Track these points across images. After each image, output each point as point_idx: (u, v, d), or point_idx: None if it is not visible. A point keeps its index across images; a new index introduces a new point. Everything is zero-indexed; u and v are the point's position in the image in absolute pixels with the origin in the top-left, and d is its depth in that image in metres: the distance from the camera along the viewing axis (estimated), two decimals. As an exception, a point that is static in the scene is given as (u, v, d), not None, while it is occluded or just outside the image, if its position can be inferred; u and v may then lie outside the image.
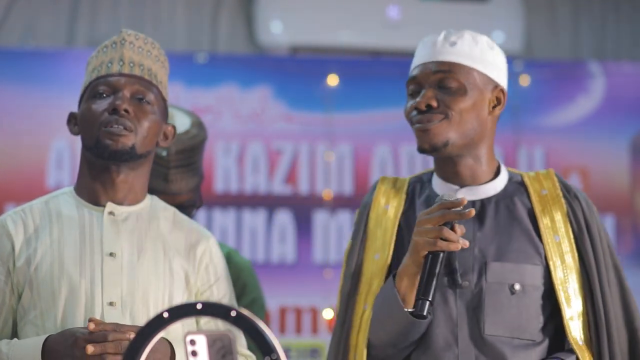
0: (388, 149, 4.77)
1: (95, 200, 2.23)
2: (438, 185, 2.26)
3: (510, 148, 4.85)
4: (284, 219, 4.71)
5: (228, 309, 1.37)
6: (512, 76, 4.87)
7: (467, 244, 2.05)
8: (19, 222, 2.20)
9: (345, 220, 4.73)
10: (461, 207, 2.06)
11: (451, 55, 2.22)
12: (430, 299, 2.01)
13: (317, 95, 4.79)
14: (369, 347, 2.13)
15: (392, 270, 2.16)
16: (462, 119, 2.18)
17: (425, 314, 2.00)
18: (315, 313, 4.66)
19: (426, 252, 2.04)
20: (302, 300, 4.65)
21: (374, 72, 4.83)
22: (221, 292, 2.27)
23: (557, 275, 2.15)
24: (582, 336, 2.13)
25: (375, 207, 2.28)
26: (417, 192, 2.29)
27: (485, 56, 2.26)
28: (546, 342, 2.14)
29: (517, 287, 2.12)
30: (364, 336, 2.13)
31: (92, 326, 1.99)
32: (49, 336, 2.05)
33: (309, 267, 4.65)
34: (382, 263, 2.19)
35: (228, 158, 4.76)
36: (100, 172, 2.21)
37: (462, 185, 2.22)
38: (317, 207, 4.72)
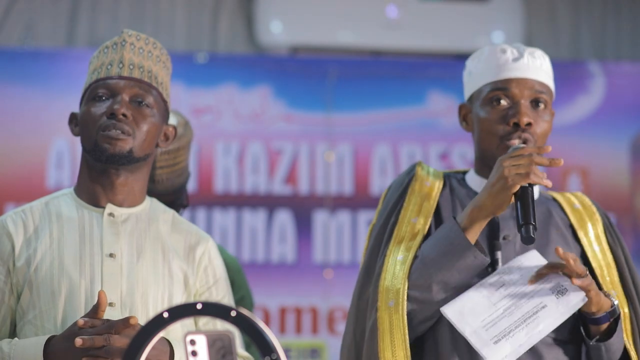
0: (388, 149, 4.77)
1: (95, 201, 2.23)
2: (476, 183, 2.29)
3: (510, 148, 4.85)
4: (284, 219, 4.71)
5: (228, 309, 1.37)
6: (512, 76, 4.91)
7: (550, 183, 2.06)
8: (19, 223, 2.20)
9: (345, 220, 4.73)
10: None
11: (545, 77, 2.27)
12: (534, 223, 2.00)
13: (317, 95, 4.79)
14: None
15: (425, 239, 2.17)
16: (542, 142, 2.24)
17: (533, 236, 1.99)
18: (315, 313, 4.66)
19: (518, 187, 2.04)
20: (302, 300, 4.65)
21: (374, 72, 4.83)
22: (220, 294, 2.27)
23: (605, 277, 2.19)
24: (627, 337, 2.16)
25: (418, 179, 2.29)
26: (454, 184, 2.32)
27: (552, 75, 2.32)
28: (578, 342, 2.15)
29: (552, 337, 2.12)
30: (404, 280, 2.10)
31: (81, 322, 1.99)
32: (51, 336, 2.05)
33: (309, 267, 4.65)
34: (420, 227, 2.20)
35: (228, 158, 4.76)
36: (100, 174, 2.21)
37: None
38: (317, 207, 4.72)
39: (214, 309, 1.38)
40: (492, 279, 2.06)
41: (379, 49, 5.12)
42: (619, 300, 2.17)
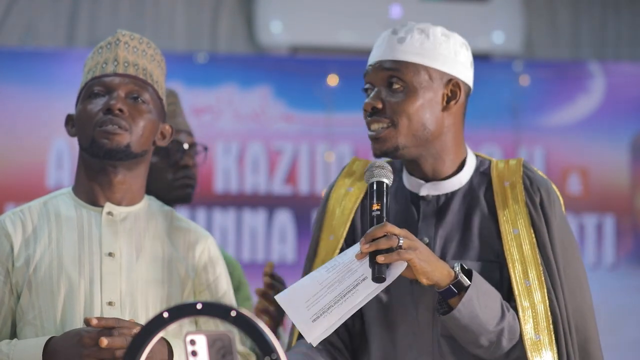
0: (388, 149, 4.78)
1: (93, 200, 2.23)
2: (407, 178, 2.22)
3: (510, 148, 4.85)
4: (284, 219, 4.71)
5: (228, 309, 1.37)
6: (512, 76, 4.91)
7: None
8: (17, 223, 2.19)
9: (345, 220, 4.73)
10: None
11: (399, 53, 2.16)
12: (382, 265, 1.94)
13: (317, 95, 4.79)
14: None
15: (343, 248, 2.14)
16: (410, 122, 2.12)
17: (384, 276, 1.94)
18: (315, 313, 4.66)
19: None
20: (302, 300, 4.65)
21: (374, 72, 4.82)
22: (220, 292, 2.27)
23: (516, 269, 2.08)
24: (540, 329, 2.05)
25: (337, 187, 2.26)
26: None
27: (439, 49, 2.17)
28: None
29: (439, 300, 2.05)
30: None
31: (94, 321, 1.99)
32: (51, 337, 2.05)
33: (309, 267, 4.65)
34: (335, 244, 2.17)
35: (228, 158, 4.76)
36: (98, 172, 2.21)
37: (426, 180, 2.18)
38: (317, 207, 4.72)
39: (213, 309, 1.38)
40: (330, 261, 2.04)
41: (379, 49, 5.12)
42: (536, 291, 2.07)
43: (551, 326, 2.06)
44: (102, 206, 2.22)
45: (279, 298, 2.03)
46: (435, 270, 1.96)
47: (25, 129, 4.62)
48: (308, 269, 2.20)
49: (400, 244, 1.93)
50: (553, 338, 2.05)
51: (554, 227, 2.15)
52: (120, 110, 2.17)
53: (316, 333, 1.95)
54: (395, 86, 2.14)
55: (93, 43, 4.89)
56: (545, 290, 2.08)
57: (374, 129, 2.14)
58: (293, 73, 4.88)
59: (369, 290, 1.96)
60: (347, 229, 2.19)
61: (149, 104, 2.23)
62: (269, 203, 4.70)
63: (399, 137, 2.13)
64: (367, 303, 1.99)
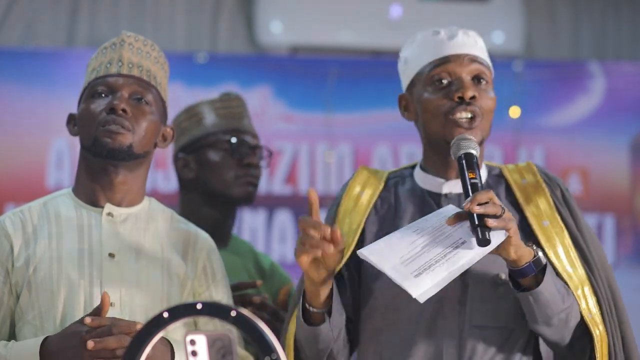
0: (388, 149, 4.77)
1: (93, 201, 2.23)
2: (421, 178, 2.25)
3: (510, 148, 4.85)
4: (284, 219, 4.71)
5: (228, 309, 1.37)
6: (512, 76, 4.91)
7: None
8: (17, 223, 2.20)
9: (345, 220, 4.73)
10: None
11: (480, 52, 2.23)
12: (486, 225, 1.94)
13: (317, 95, 4.79)
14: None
15: (353, 256, 2.15)
16: (487, 120, 2.19)
17: (488, 239, 1.94)
18: (315, 313, 4.66)
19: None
20: (302, 300, 4.65)
21: (374, 72, 4.82)
22: (219, 294, 2.27)
23: (559, 257, 2.16)
24: (590, 308, 2.14)
25: (349, 193, 2.27)
26: (398, 184, 2.28)
27: (486, 53, 2.29)
28: (527, 330, 2.14)
29: (502, 276, 2.11)
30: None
31: (88, 320, 1.98)
32: (47, 337, 2.05)
33: (309, 267, 4.64)
34: (346, 249, 2.16)
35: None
36: (99, 173, 2.21)
37: (447, 179, 2.22)
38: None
39: (214, 309, 1.38)
40: (410, 226, 2.04)
41: (379, 49, 5.12)
42: (578, 276, 2.14)
43: (598, 308, 2.14)
44: (102, 207, 2.22)
45: (363, 251, 2.00)
46: (522, 246, 2.00)
47: (25, 129, 4.62)
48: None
49: (503, 213, 1.95)
50: (600, 316, 2.14)
51: (579, 217, 2.23)
52: (124, 110, 2.18)
53: (422, 288, 1.93)
54: (483, 83, 2.20)
55: (93, 43, 4.90)
56: (585, 274, 2.16)
57: (469, 117, 2.15)
58: (293, 73, 4.88)
59: (472, 254, 1.96)
60: (358, 234, 2.20)
61: (152, 106, 2.23)
62: (269, 203, 4.69)
63: (483, 131, 2.17)
64: (382, 290, 2.02)
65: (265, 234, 4.70)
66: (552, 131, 4.90)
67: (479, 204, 1.94)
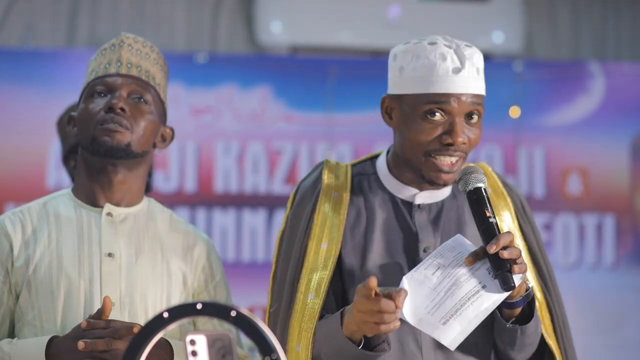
0: (388, 149, 4.78)
1: (93, 201, 2.23)
2: (392, 185, 2.19)
3: (510, 148, 4.85)
4: (284, 219, 4.71)
5: (228, 309, 1.37)
6: (512, 76, 4.91)
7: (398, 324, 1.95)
8: (17, 223, 2.20)
9: (345, 220, 4.73)
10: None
11: (480, 86, 2.12)
12: (509, 270, 1.94)
13: (317, 95, 4.79)
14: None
15: (339, 262, 2.13)
16: (471, 150, 2.13)
17: (513, 285, 1.93)
18: (315, 313, 4.65)
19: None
20: (302, 300, 4.64)
21: (374, 72, 4.82)
22: (218, 294, 2.27)
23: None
24: (545, 326, 2.15)
25: (324, 193, 2.20)
26: (362, 183, 2.21)
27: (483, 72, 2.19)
28: (486, 344, 2.14)
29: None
30: (312, 323, 2.07)
31: (84, 324, 2.00)
32: (54, 337, 2.05)
33: (309, 267, 4.64)
34: (331, 253, 2.13)
35: (228, 158, 4.76)
36: (98, 173, 2.21)
37: (420, 190, 2.17)
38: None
39: (213, 309, 1.38)
40: (425, 265, 2.00)
41: (379, 49, 5.12)
42: (534, 288, 2.14)
43: (550, 321, 2.16)
44: (101, 207, 2.22)
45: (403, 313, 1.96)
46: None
47: (25, 129, 4.62)
48: (295, 275, 2.15)
49: (520, 256, 1.95)
50: (553, 334, 2.15)
51: (537, 230, 2.24)
52: (122, 109, 2.18)
53: (452, 335, 1.94)
54: (474, 120, 2.11)
55: (93, 43, 4.90)
56: (541, 290, 2.17)
57: (453, 162, 2.09)
58: (293, 73, 4.88)
59: (494, 298, 1.95)
60: (340, 238, 2.16)
61: (151, 105, 2.23)
62: (269, 203, 4.69)
63: (461, 167, 2.12)
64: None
65: (265, 234, 4.70)
66: (552, 131, 4.90)
67: (504, 248, 1.93)
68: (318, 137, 4.79)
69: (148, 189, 2.64)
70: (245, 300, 4.31)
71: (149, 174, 2.73)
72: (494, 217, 1.99)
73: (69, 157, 2.80)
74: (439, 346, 2.05)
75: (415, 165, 2.11)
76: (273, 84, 4.80)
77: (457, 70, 2.08)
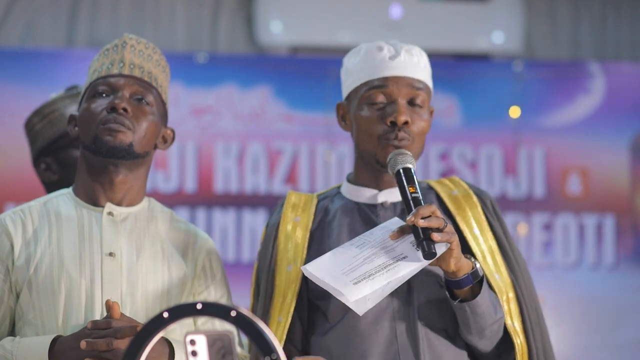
0: (388, 149, 4.78)
1: (93, 200, 2.23)
2: (352, 192, 2.27)
3: (510, 148, 4.85)
4: (284, 219, 4.71)
5: (228, 309, 1.37)
6: (512, 76, 4.91)
7: None
8: (18, 222, 2.20)
9: (345, 220, 4.73)
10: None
11: (420, 73, 2.23)
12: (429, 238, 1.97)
13: (317, 95, 4.79)
14: None
15: (306, 280, 2.16)
16: (419, 141, 2.21)
17: (435, 252, 1.97)
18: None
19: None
20: (302, 300, 4.65)
21: (374, 72, 4.82)
22: (218, 293, 2.27)
23: (488, 264, 2.19)
24: (514, 318, 2.17)
25: (284, 221, 2.28)
26: (328, 205, 2.30)
27: (430, 72, 2.28)
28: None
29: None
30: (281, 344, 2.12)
31: (90, 324, 2.01)
32: (58, 336, 2.05)
33: (309, 267, 4.64)
34: (295, 274, 2.19)
35: (228, 158, 4.76)
36: (100, 172, 2.22)
37: (381, 190, 2.25)
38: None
39: (214, 309, 1.38)
40: (355, 240, 2.06)
41: (379, 49, 5.12)
42: (504, 283, 2.17)
43: (519, 315, 2.18)
44: (102, 206, 2.22)
45: (308, 267, 2.02)
46: (462, 258, 2.03)
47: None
48: (264, 304, 2.21)
49: (446, 226, 1.99)
50: (522, 326, 2.17)
51: (506, 228, 2.29)
52: (125, 109, 2.18)
53: (359, 294, 1.95)
54: (419, 105, 2.20)
55: (93, 43, 4.90)
56: (510, 281, 2.21)
57: (402, 143, 2.17)
58: (293, 73, 4.88)
59: (413, 266, 1.98)
60: (304, 257, 2.21)
61: (153, 106, 2.24)
62: (269, 203, 4.69)
63: (414, 152, 2.17)
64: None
65: (265, 234, 4.70)
66: (552, 131, 4.90)
67: (423, 218, 1.97)
68: (318, 137, 4.79)
69: None
70: (246, 300, 4.29)
71: None
72: (419, 194, 2.04)
73: (39, 159, 2.79)
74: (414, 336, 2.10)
75: (372, 153, 2.21)
76: (273, 84, 4.80)
77: (393, 57, 2.22)
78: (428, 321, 2.13)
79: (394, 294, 2.07)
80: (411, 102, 2.20)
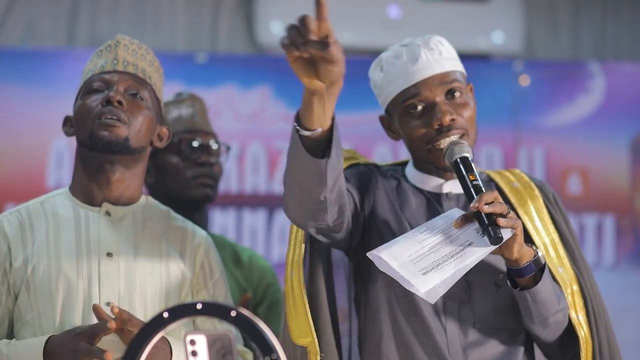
0: (388, 149, 4.77)
1: (91, 200, 2.23)
2: (418, 179, 2.27)
3: (510, 148, 4.85)
4: (284, 219, 4.70)
5: (228, 309, 1.37)
6: (512, 76, 4.91)
7: None
8: (14, 223, 2.20)
9: (345, 220, 4.73)
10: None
11: (446, 64, 2.22)
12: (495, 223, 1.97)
13: (317, 96, 4.78)
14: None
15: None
16: (472, 127, 2.20)
17: (501, 236, 1.96)
18: (315, 313, 4.65)
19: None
20: (302, 300, 4.64)
21: (374, 72, 4.82)
22: (217, 291, 2.28)
23: (551, 254, 2.19)
24: (578, 309, 2.16)
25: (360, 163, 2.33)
26: (394, 177, 2.30)
27: (455, 54, 2.28)
28: (521, 329, 2.16)
29: (502, 276, 2.13)
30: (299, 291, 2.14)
31: (116, 310, 2.02)
32: (51, 336, 2.05)
33: (309, 267, 4.64)
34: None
35: (228, 158, 4.76)
36: (96, 170, 2.22)
37: (447, 180, 2.25)
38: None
39: (214, 309, 1.38)
40: (418, 228, 2.07)
41: (379, 49, 5.10)
42: (568, 275, 2.17)
43: (584, 307, 2.17)
44: (99, 205, 2.22)
45: (376, 253, 2.01)
46: (524, 245, 2.02)
47: (25, 129, 4.61)
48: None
49: (509, 212, 1.98)
50: (586, 318, 2.16)
51: (568, 221, 2.27)
52: (120, 102, 2.19)
53: (430, 285, 1.95)
54: (457, 95, 2.20)
55: (93, 43, 4.90)
56: (574, 275, 2.19)
57: (453, 139, 2.16)
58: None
59: (479, 252, 1.98)
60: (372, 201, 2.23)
61: (147, 101, 2.25)
62: (269, 203, 4.69)
63: (470, 140, 2.18)
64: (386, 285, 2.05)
65: (266, 234, 4.70)
66: (552, 131, 4.90)
67: (487, 204, 1.96)
68: (318, 137, 4.78)
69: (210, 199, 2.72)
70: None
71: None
72: (479, 181, 2.03)
73: None
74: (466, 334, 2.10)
75: (428, 160, 2.20)
76: (273, 84, 4.80)
77: (414, 61, 2.20)
78: (484, 321, 2.12)
79: (451, 292, 2.05)
80: (449, 95, 2.19)
